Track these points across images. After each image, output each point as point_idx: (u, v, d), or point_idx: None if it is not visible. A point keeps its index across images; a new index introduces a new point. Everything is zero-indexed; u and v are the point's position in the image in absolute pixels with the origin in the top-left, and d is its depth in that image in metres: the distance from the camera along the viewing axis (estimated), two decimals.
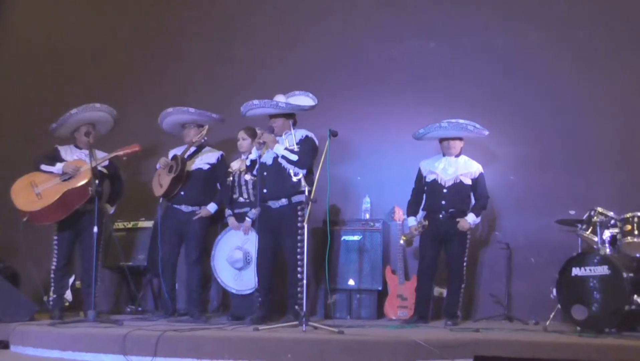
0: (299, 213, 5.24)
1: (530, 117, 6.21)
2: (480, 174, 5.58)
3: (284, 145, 5.29)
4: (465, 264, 5.49)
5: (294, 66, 6.91)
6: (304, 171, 5.27)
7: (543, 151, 6.15)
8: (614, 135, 5.99)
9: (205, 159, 5.81)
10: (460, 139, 5.60)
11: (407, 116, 6.31)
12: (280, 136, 5.36)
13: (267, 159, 5.34)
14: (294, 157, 5.23)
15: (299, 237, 5.21)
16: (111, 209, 5.88)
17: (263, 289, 5.28)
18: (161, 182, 5.68)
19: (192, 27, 7.34)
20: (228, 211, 5.73)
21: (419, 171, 5.74)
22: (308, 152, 5.29)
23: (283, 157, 5.24)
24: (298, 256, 5.19)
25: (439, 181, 5.56)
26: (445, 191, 5.52)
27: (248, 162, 5.40)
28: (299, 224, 5.21)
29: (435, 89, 6.41)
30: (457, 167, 5.56)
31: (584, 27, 6.23)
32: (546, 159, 6.13)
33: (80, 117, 5.67)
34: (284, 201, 5.27)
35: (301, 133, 5.38)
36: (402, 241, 5.70)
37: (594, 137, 6.05)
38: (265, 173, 5.31)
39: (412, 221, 5.71)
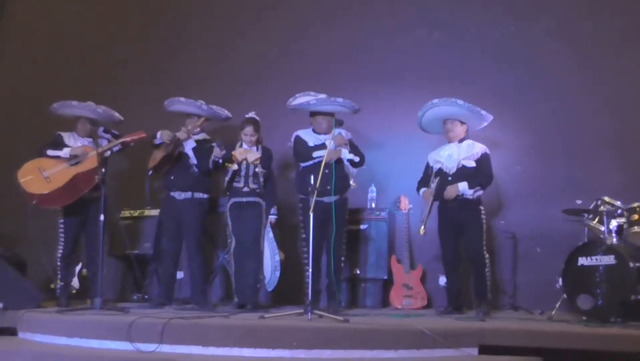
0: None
1: (535, 106, 6.20)
2: (484, 154, 5.43)
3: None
4: (484, 248, 5.33)
5: (297, 58, 6.91)
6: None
7: (549, 140, 6.13)
8: (620, 124, 5.97)
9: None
10: (461, 123, 5.50)
11: (412, 105, 6.26)
12: (327, 134, 5.49)
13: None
14: (358, 159, 5.52)
15: (344, 228, 5.53)
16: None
17: (315, 281, 5.32)
18: (155, 155, 5.70)
19: (196, 18, 7.33)
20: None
21: (427, 163, 5.69)
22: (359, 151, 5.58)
23: (349, 160, 5.47)
24: (343, 247, 5.49)
25: (444, 170, 5.49)
26: (450, 178, 5.42)
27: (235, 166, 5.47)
28: (346, 217, 5.58)
29: (440, 79, 6.39)
30: (459, 153, 5.46)
31: (589, 17, 6.20)
32: (552, 148, 6.11)
33: (60, 114, 5.76)
34: (337, 196, 5.42)
35: (345, 133, 5.56)
36: (421, 232, 5.50)
37: (601, 126, 6.02)
38: (327, 171, 5.34)
39: (423, 191, 5.60)
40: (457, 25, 6.53)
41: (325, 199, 5.38)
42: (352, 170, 5.53)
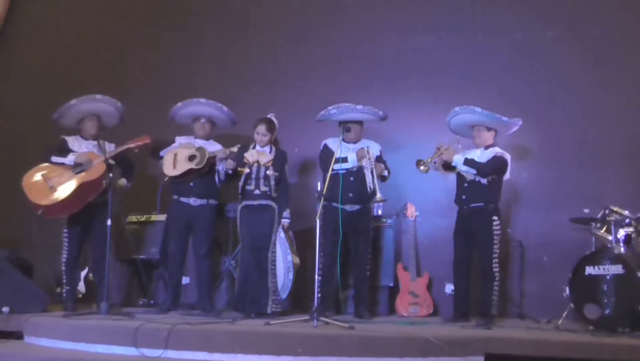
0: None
1: (543, 114, 6.17)
2: (495, 156, 5.30)
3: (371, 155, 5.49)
4: (495, 260, 5.24)
5: (305, 60, 6.89)
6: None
7: (556, 147, 6.12)
8: (628, 133, 5.96)
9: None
10: (487, 129, 5.42)
11: (419, 112, 6.29)
12: (355, 143, 5.60)
13: (354, 165, 5.50)
14: (385, 172, 5.60)
15: (369, 239, 5.66)
16: (128, 183, 5.83)
17: (323, 288, 5.28)
18: (176, 164, 5.65)
19: (204, 19, 7.33)
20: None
21: None
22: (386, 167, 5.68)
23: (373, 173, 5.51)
24: (368, 256, 5.60)
25: (462, 174, 5.41)
26: (466, 185, 5.37)
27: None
28: (369, 227, 5.69)
29: (448, 85, 6.37)
30: (479, 159, 5.34)
31: (599, 24, 6.19)
32: (560, 156, 6.10)
33: (80, 109, 5.67)
34: (360, 205, 5.53)
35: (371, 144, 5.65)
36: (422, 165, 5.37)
37: (608, 135, 6.01)
38: (352, 178, 5.46)
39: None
40: (467, 30, 6.51)
41: (348, 207, 5.48)
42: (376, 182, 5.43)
